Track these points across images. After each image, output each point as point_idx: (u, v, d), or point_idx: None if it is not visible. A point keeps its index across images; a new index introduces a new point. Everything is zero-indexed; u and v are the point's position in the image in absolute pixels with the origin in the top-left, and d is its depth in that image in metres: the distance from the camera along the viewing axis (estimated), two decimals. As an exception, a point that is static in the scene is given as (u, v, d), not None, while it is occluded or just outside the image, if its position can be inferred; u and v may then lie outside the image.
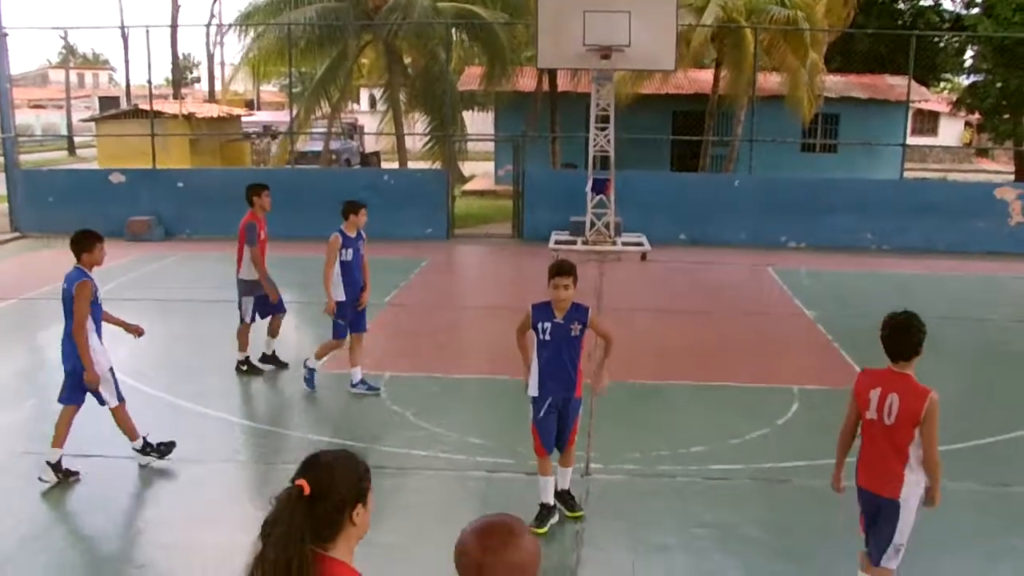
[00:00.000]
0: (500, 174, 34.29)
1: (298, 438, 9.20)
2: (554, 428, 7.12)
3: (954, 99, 37.49)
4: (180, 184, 22.24)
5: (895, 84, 34.58)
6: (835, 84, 33.14)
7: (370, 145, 39.10)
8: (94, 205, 21.55)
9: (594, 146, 20.44)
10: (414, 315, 14.65)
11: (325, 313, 10.43)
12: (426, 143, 28.31)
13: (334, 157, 32.98)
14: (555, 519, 7.21)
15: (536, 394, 7.09)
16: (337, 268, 10.17)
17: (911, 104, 28.01)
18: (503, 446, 8.84)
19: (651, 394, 10.71)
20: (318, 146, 31.22)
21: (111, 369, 8.24)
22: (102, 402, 8.21)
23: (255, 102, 53.78)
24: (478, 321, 14.65)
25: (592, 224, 20.55)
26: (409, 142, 28.61)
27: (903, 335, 5.41)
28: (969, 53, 37.18)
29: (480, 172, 39.41)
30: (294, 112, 26.23)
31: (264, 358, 11.57)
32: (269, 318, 11.49)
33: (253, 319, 11.36)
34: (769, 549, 7.11)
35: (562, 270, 6.85)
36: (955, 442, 9.06)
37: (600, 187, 20.39)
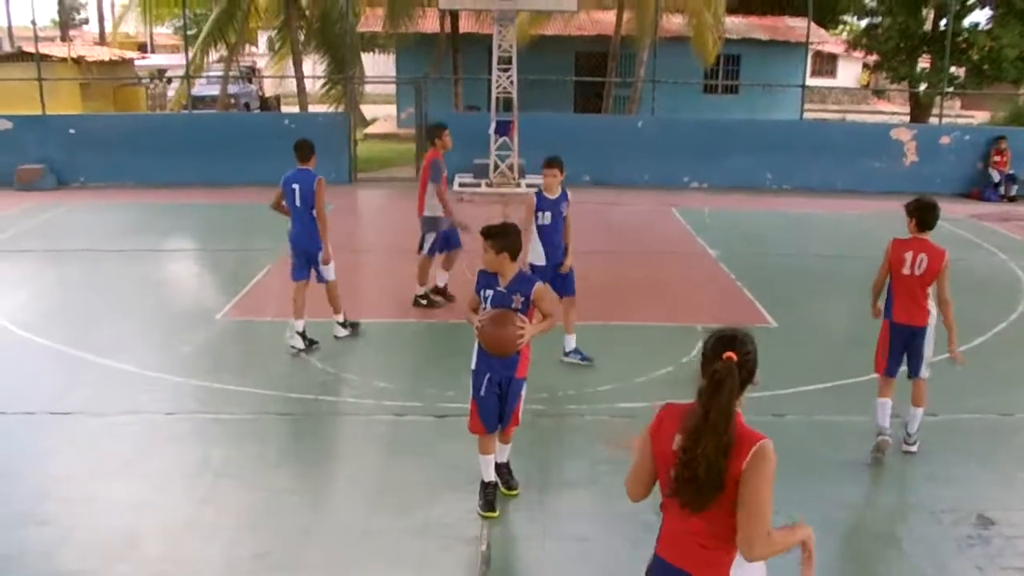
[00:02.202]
0: (402, 117, 33.96)
1: (198, 386, 9.04)
2: (496, 408, 6.54)
3: (848, 39, 37.98)
4: (72, 130, 21.50)
5: (795, 26, 35.01)
6: (736, 25, 33.45)
7: (270, 89, 38.33)
8: (-21, 152, 20.85)
9: (497, 88, 20.32)
10: (318, 260, 14.45)
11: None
12: (324, 85, 27.88)
13: (232, 101, 32.27)
14: None
15: (474, 368, 6.52)
16: (533, 229, 9.56)
17: (810, 46, 28.40)
18: (410, 389, 8.83)
19: (557, 334, 10.76)
20: (215, 90, 30.49)
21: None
22: (321, 279, 10.23)
23: (148, 45, 52.17)
24: (383, 265, 14.54)
25: (496, 166, 20.50)
26: (309, 85, 28.11)
27: (931, 211, 7.54)
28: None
29: (382, 115, 39.00)
30: (190, 55, 25.53)
31: (436, 290, 11.95)
32: (446, 253, 11.87)
33: (433, 253, 11.61)
34: (675, 483, 7.23)
35: (490, 233, 6.33)
36: (849, 377, 9.35)
37: (503, 129, 20.33)
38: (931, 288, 7.63)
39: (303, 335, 10.07)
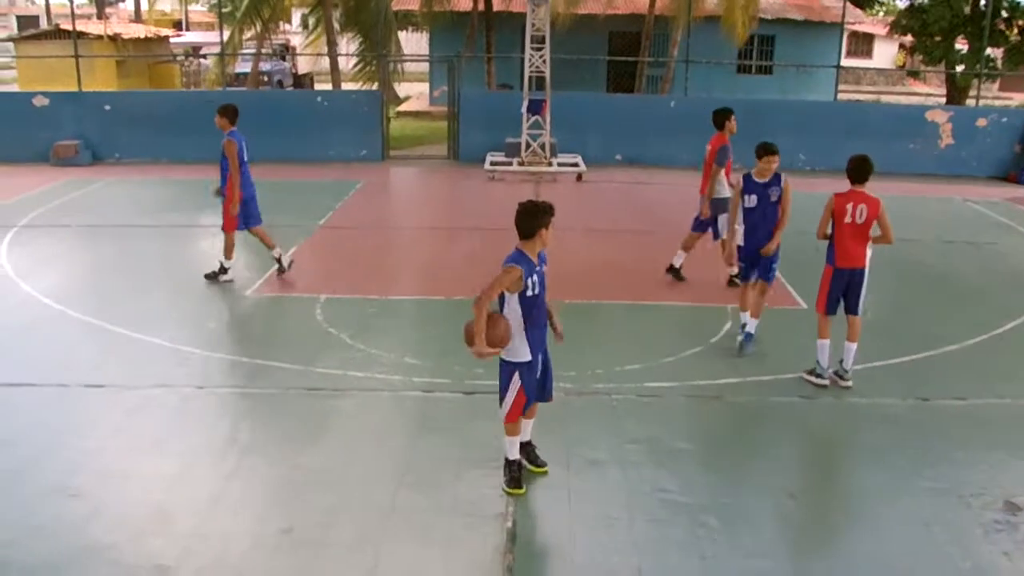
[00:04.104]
0: (435, 95, 33.93)
1: (232, 361, 9.13)
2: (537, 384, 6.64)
3: (889, 21, 37.54)
4: (107, 107, 21.63)
5: (830, 6, 34.64)
6: (771, 5, 33.15)
7: (303, 66, 38.40)
8: (17, 129, 21.07)
9: (530, 67, 20.26)
10: (349, 237, 14.53)
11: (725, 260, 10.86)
12: (358, 64, 27.89)
13: (265, 79, 32.36)
14: None
15: (529, 357, 6.45)
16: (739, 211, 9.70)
17: (846, 26, 28.12)
18: (439, 366, 8.86)
19: (587, 313, 10.77)
20: (248, 68, 30.59)
21: None
22: None
23: (183, 22, 52.37)
24: (413, 242, 14.57)
25: (527, 145, 20.46)
26: (343, 63, 28.14)
27: (862, 165, 8.61)
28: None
29: (415, 93, 38.98)
30: (226, 34, 25.60)
31: (671, 268, 12.31)
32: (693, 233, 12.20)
33: (706, 231, 12.10)
34: (700, 461, 7.26)
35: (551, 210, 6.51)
36: (877, 359, 9.31)
37: (536, 108, 20.28)
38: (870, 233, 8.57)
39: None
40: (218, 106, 11.64)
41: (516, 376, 6.46)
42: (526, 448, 6.92)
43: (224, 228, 11.65)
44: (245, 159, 11.59)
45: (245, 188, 11.58)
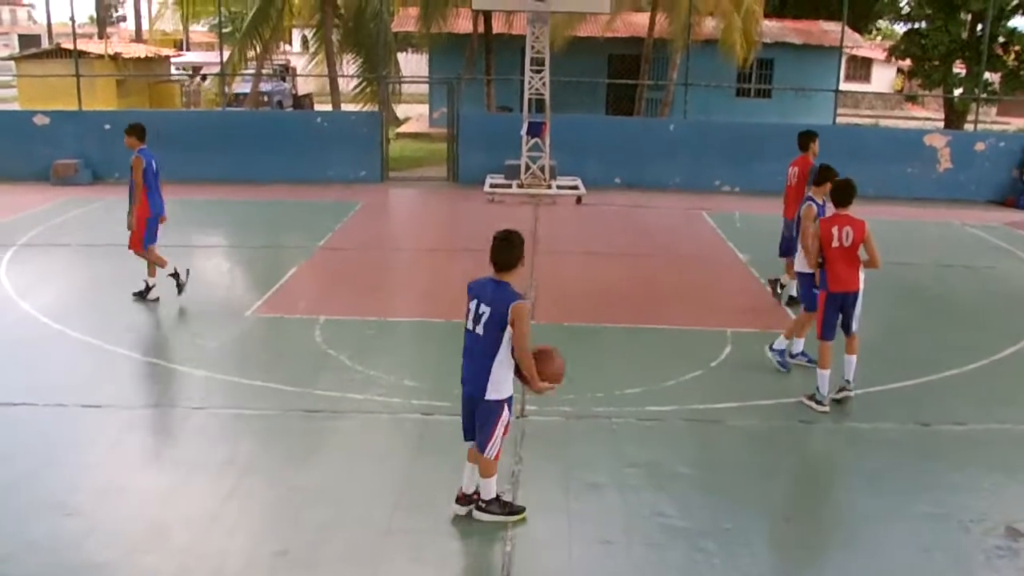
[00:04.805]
0: (435, 117, 34.02)
1: (229, 382, 9.10)
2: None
3: (888, 46, 37.74)
4: (107, 126, 21.62)
5: (829, 30, 34.80)
6: (770, 29, 33.27)
7: (303, 87, 38.51)
8: (17, 147, 21.11)
9: (529, 89, 20.32)
10: (349, 258, 14.53)
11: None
12: (359, 85, 27.97)
13: (265, 99, 32.44)
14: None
15: (511, 395, 6.34)
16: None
17: (844, 50, 28.21)
18: (438, 388, 8.84)
19: (587, 336, 10.76)
20: (247, 88, 30.66)
21: None
22: None
23: (184, 42, 52.56)
24: (413, 264, 14.57)
25: (527, 167, 20.49)
26: (343, 84, 28.21)
27: (849, 190, 8.68)
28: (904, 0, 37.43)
29: (414, 115, 39.10)
30: (226, 54, 25.68)
31: (772, 281, 12.64)
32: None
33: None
34: (699, 486, 7.22)
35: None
36: (876, 384, 9.30)
37: (535, 130, 20.33)
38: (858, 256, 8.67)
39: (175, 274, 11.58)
40: (125, 126, 11.77)
41: (505, 412, 6.30)
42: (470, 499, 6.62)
43: (133, 248, 11.64)
44: (156, 176, 11.67)
45: (154, 205, 11.61)
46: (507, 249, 6.21)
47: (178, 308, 11.51)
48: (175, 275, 11.64)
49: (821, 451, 8.24)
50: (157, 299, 11.65)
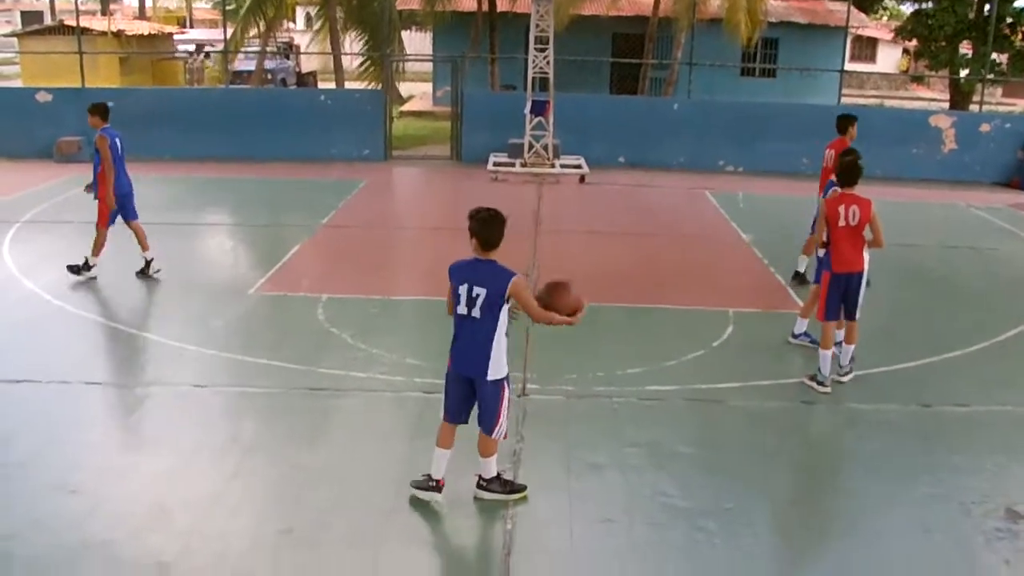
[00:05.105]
0: (438, 95, 33.92)
1: (233, 360, 9.12)
2: None
3: (894, 26, 37.56)
4: (111, 104, 21.50)
5: (834, 9, 34.63)
6: (775, 8, 33.09)
7: (307, 65, 38.42)
8: (20, 125, 21.06)
9: (533, 68, 20.27)
10: (352, 236, 14.54)
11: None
12: (363, 63, 27.91)
13: (269, 77, 32.37)
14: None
15: (507, 369, 6.35)
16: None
17: (850, 30, 28.11)
18: (440, 367, 8.74)
19: (589, 316, 10.70)
20: (252, 65, 30.58)
21: None
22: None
23: (187, 19, 52.40)
24: (416, 243, 14.57)
25: (531, 146, 20.46)
26: (346, 62, 28.15)
27: (855, 170, 8.73)
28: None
29: (418, 93, 39.00)
30: (229, 31, 25.62)
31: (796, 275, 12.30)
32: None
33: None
34: (700, 465, 7.24)
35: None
36: (878, 366, 9.32)
37: (539, 109, 20.28)
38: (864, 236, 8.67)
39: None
40: (88, 105, 11.95)
41: (506, 389, 6.34)
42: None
43: (98, 224, 11.60)
44: (121, 155, 11.66)
45: (120, 184, 11.61)
46: (494, 226, 6.08)
47: (181, 286, 11.53)
48: (86, 266, 11.56)
49: (822, 432, 8.25)
50: (160, 270, 11.68)
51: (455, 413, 6.39)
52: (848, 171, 8.76)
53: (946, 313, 11.66)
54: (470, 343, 6.20)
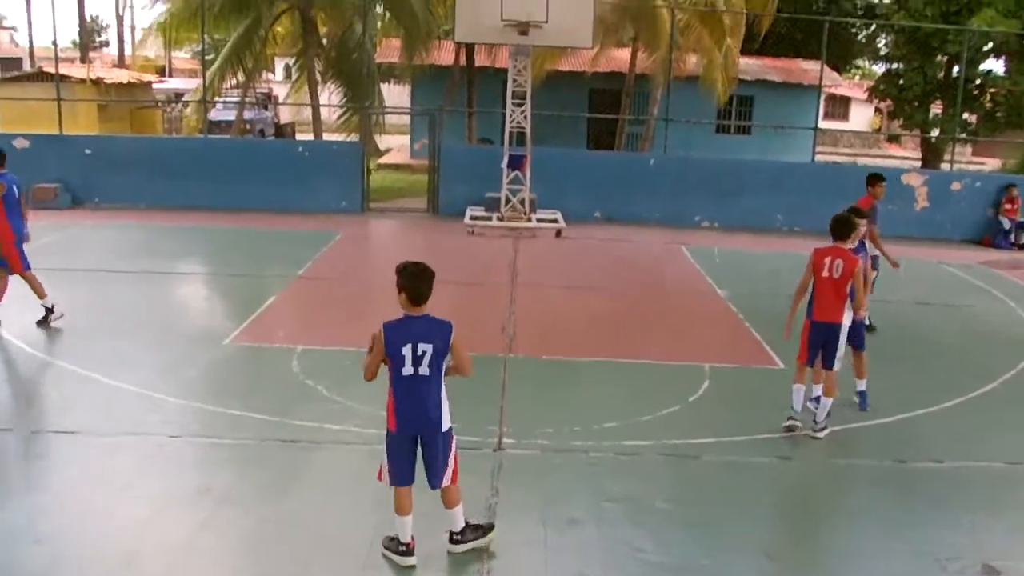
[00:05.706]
0: (416, 148, 34.11)
1: (207, 410, 9.03)
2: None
3: (866, 85, 38.18)
4: (88, 151, 21.62)
5: (808, 68, 35.17)
6: (750, 67, 33.60)
7: (285, 116, 38.56)
8: (-3, 170, 20.96)
9: (511, 122, 20.40)
10: (327, 288, 14.50)
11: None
12: (342, 115, 28.04)
13: (247, 127, 32.45)
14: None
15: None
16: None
17: (823, 89, 28.50)
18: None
19: (565, 370, 10.75)
20: (231, 115, 30.66)
21: None
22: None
23: (167, 68, 52.58)
24: (392, 295, 14.45)
25: (507, 200, 20.54)
26: (325, 114, 28.27)
27: (845, 224, 8.91)
28: (882, 41, 37.93)
29: (396, 145, 39.17)
30: (207, 80, 25.71)
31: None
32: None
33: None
34: (677, 520, 7.21)
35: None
36: (855, 421, 9.36)
37: (516, 163, 20.39)
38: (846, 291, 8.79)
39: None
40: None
41: (454, 436, 6.32)
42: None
43: (16, 272, 11.50)
44: (16, 199, 11.51)
45: (15, 228, 11.46)
46: (423, 280, 6.30)
47: (157, 335, 11.44)
48: (50, 311, 11.49)
49: (799, 487, 8.23)
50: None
51: (407, 476, 6.28)
52: (838, 225, 8.95)
53: (921, 369, 11.71)
54: (422, 402, 6.12)
